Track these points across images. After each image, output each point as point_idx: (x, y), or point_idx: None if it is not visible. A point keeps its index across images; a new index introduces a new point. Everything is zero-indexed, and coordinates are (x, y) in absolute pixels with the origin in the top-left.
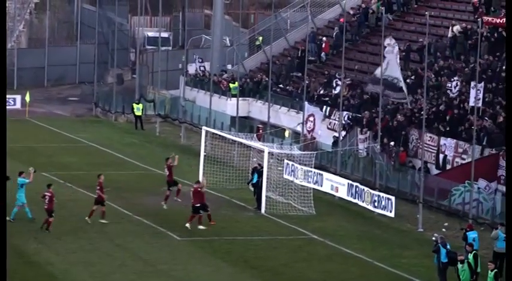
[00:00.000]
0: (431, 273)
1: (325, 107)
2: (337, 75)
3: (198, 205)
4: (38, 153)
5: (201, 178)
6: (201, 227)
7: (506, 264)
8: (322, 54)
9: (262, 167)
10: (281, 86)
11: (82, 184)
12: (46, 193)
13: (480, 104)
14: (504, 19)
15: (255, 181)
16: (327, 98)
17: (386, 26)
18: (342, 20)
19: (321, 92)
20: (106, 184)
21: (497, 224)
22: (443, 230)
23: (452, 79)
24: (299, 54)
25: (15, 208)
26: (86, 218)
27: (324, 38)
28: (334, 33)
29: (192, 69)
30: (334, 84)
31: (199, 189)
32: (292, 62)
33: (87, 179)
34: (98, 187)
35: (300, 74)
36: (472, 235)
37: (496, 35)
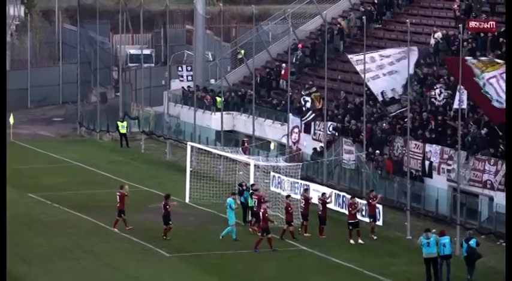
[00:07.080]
0: (420, 280)
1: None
2: (302, 93)
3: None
4: (24, 174)
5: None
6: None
7: (506, 264)
8: (281, 81)
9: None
10: (265, 99)
11: (69, 204)
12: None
13: (464, 106)
14: (490, 23)
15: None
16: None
17: (368, 35)
18: (300, 45)
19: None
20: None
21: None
22: None
23: (435, 87)
24: (258, 81)
25: (229, 227)
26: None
27: (284, 65)
28: (299, 56)
29: (175, 85)
30: (303, 102)
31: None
32: (256, 87)
33: (74, 199)
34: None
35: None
36: (443, 240)
37: (478, 40)
